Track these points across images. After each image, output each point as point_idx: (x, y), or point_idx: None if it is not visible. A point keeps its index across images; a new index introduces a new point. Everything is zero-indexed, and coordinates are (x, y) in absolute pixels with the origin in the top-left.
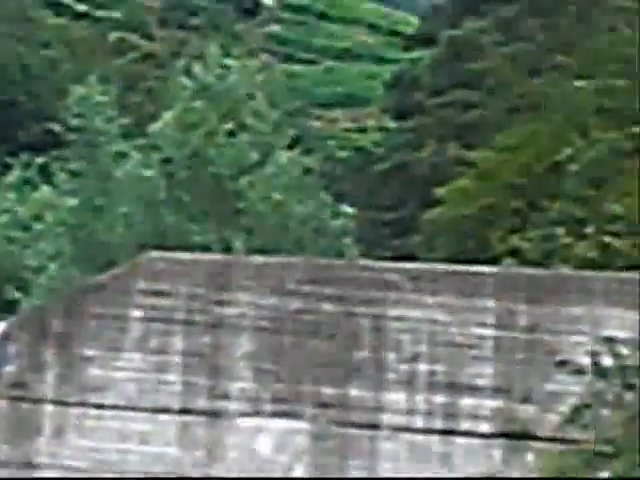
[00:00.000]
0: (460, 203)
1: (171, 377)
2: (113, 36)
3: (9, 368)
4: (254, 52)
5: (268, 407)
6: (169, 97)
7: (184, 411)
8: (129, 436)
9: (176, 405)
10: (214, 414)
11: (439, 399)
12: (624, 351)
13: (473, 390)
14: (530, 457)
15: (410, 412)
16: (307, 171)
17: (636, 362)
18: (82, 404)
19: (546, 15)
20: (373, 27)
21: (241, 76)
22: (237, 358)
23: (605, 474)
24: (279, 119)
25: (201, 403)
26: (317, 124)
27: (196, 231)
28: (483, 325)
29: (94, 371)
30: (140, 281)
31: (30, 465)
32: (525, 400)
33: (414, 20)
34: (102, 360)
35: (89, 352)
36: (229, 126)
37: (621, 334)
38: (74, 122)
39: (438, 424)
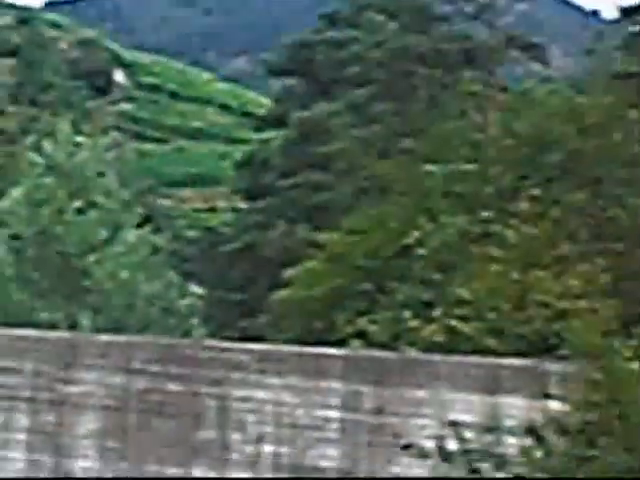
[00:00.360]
0: (309, 285)
1: (15, 454)
2: None
3: None
4: (106, 130)
5: None
6: (18, 173)
7: None
8: None
9: None
10: None
11: None
12: (468, 435)
13: (318, 472)
14: None
15: None
16: (156, 250)
17: (480, 446)
18: None
19: (397, 99)
20: (225, 107)
21: (91, 153)
22: (81, 436)
23: None
24: (129, 197)
25: None
26: (167, 203)
27: (43, 308)
28: (329, 407)
29: None
30: None
31: None
32: None
33: (266, 101)
34: None
35: None
36: (78, 204)
37: (466, 418)
38: None
39: None
